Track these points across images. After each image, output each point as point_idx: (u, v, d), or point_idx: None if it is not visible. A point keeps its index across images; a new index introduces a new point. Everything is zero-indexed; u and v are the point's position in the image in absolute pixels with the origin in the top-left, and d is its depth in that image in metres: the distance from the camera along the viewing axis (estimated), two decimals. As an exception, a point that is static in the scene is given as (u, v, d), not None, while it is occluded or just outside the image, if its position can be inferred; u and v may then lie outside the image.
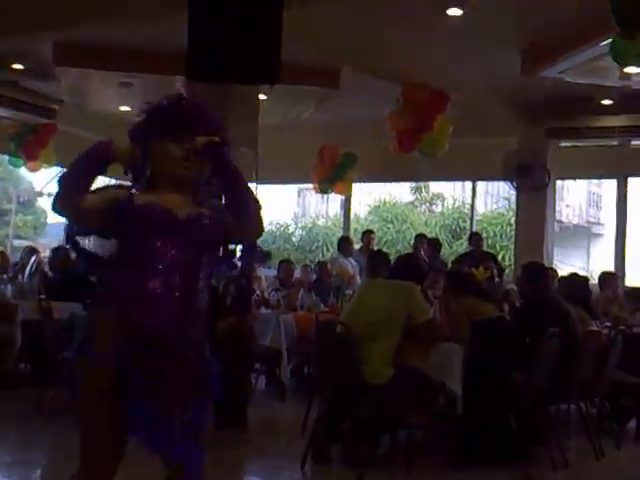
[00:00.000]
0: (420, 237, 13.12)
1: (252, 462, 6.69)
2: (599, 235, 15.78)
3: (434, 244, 12.78)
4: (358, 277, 11.58)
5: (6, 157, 14.77)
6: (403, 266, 6.71)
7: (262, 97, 9.96)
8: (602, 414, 7.62)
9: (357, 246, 13.39)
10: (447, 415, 6.68)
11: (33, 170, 14.36)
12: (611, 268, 12.35)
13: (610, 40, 8.09)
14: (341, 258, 12.23)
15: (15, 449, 6.56)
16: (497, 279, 10.64)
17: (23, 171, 15.40)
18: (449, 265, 11.60)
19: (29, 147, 13.43)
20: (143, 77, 11.29)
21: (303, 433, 6.82)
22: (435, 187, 18.13)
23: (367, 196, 16.89)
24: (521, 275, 7.35)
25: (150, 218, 3.13)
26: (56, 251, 9.31)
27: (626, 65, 9.05)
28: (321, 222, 18.65)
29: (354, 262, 12.11)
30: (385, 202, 18.46)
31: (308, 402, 7.09)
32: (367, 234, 13.24)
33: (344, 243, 12.76)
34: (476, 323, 6.46)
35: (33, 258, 10.58)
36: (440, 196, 18.53)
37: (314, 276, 11.65)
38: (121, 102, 12.88)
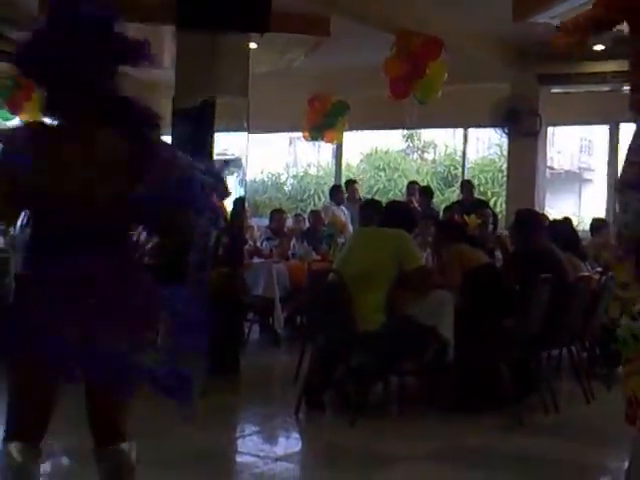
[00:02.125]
0: (412, 185, 13.12)
1: (246, 409, 6.76)
2: (590, 181, 15.79)
3: (426, 192, 12.78)
4: (350, 225, 11.61)
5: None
6: (394, 213, 6.72)
7: (252, 46, 9.87)
8: (592, 358, 7.69)
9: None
10: (439, 362, 6.75)
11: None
12: (602, 214, 12.37)
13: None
14: (333, 206, 12.26)
15: None
16: (491, 226, 10.66)
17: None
18: (441, 213, 11.61)
19: (14, 100, 13.28)
20: (132, 26, 11.17)
21: (296, 381, 6.89)
22: (427, 135, 18.07)
23: (358, 144, 16.82)
24: (514, 222, 7.37)
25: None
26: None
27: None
28: (313, 171, 18.60)
29: (346, 211, 12.14)
30: (377, 150, 18.40)
31: (301, 350, 7.15)
32: (351, 184, 13.24)
33: (336, 191, 12.80)
34: (467, 270, 6.50)
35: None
36: (432, 144, 18.48)
37: (306, 225, 11.67)
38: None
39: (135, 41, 3.04)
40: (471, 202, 11.84)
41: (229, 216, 8.71)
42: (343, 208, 12.26)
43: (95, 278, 2.86)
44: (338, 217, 11.82)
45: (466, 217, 8.50)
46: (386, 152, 18.50)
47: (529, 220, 7.13)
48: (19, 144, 2.87)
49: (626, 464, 5.49)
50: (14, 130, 3.09)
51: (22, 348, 2.83)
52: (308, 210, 14.38)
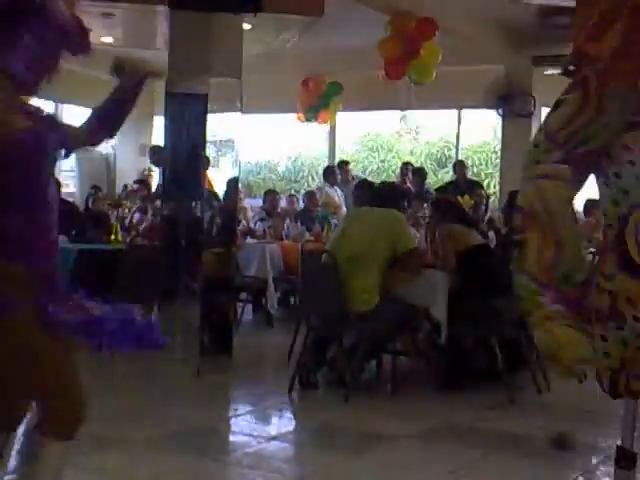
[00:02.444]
0: (405, 165, 13.10)
1: (239, 388, 6.78)
2: (584, 163, 15.81)
3: (419, 173, 12.78)
4: (344, 206, 11.62)
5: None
6: (387, 194, 6.73)
7: (246, 27, 9.84)
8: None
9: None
10: (431, 342, 6.78)
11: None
12: (595, 196, 12.37)
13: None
14: (327, 187, 12.24)
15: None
16: (484, 207, 10.67)
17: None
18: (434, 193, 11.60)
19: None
20: (125, 7, 11.12)
21: (289, 360, 6.92)
22: (420, 116, 18.04)
23: (352, 126, 16.80)
24: (506, 203, 7.38)
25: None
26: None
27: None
28: (306, 152, 18.58)
29: (339, 191, 12.14)
30: (370, 132, 18.38)
31: (294, 330, 7.17)
32: (344, 165, 13.20)
33: (329, 172, 12.78)
34: (461, 250, 6.51)
35: None
36: (425, 125, 18.46)
37: (300, 206, 11.67)
38: (103, 33, 12.72)
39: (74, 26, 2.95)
40: (464, 183, 11.85)
41: (222, 197, 8.75)
42: (337, 189, 12.25)
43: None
44: (332, 198, 11.82)
45: (459, 198, 8.50)
46: (379, 133, 18.47)
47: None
48: None
49: (618, 442, 5.54)
50: None
51: None
52: (302, 191, 14.37)
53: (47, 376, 2.89)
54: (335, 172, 12.78)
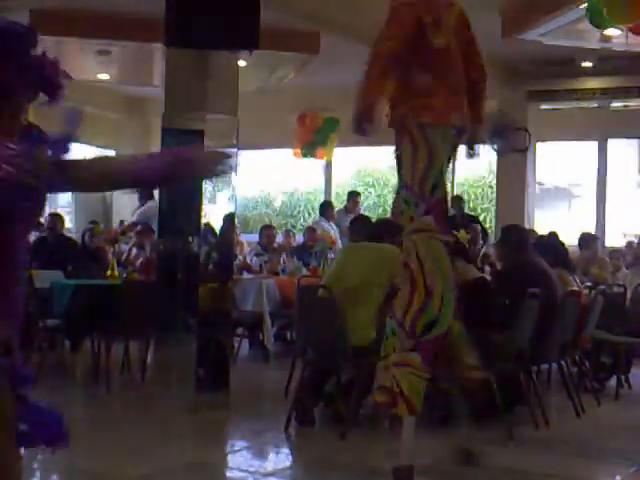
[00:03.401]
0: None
1: (235, 425, 6.75)
2: (579, 197, 15.85)
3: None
4: (339, 241, 11.64)
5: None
6: (384, 229, 6.73)
7: (242, 64, 9.92)
8: (582, 372, 7.71)
9: (340, 206, 13.47)
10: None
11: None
12: (591, 229, 12.41)
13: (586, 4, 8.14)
14: (323, 222, 12.27)
15: None
16: (482, 242, 10.68)
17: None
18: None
19: (5, 116, 13.30)
20: (121, 44, 11.20)
21: (286, 396, 6.89)
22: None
23: (348, 160, 16.83)
24: (500, 238, 7.40)
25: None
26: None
27: (602, 28, 9.06)
28: (302, 187, 18.61)
29: (335, 227, 12.18)
30: (366, 167, 18.42)
31: (291, 365, 7.15)
32: (354, 196, 13.24)
33: (326, 207, 12.80)
34: (459, 285, 6.50)
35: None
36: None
37: (297, 240, 11.69)
38: (99, 70, 12.80)
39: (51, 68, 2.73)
40: (461, 217, 11.87)
41: (219, 231, 8.75)
42: (332, 225, 12.28)
43: None
44: (327, 233, 11.86)
45: (456, 233, 8.51)
46: (375, 169, 18.51)
47: (513, 236, 7.15)
48: None
49: (618, 478, 5.53)
50: None
51: None
52: (298, 226, 14.39)
53: None
54: (332, 207, 12.80)
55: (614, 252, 10.61)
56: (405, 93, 4.79)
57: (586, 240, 10.30)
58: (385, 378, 4.73)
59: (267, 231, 11.13)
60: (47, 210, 10.67)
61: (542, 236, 8.27)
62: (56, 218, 9.88)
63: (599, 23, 8.36)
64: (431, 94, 4.70)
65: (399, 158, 4.86)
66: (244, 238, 12.25)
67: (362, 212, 13.09)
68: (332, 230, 12.03)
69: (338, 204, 13.94)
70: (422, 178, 4.68)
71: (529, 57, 12.23)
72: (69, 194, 13.90)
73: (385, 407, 4.82)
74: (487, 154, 14.55)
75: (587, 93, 12.95)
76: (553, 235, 8.18)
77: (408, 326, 4.72)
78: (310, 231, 11.62)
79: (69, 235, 11.16)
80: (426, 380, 4.70)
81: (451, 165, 14.65)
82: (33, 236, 9.74)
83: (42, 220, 9.90)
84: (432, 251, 4.73)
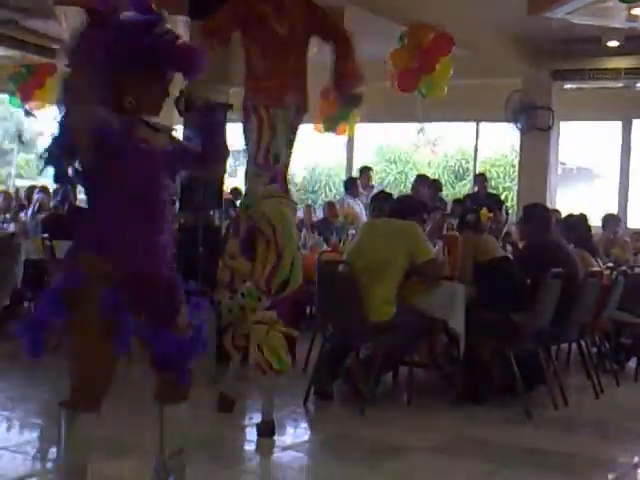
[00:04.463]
0: (420, 178, 12.99)
1: (254, 398, 6.76)
2: (602, 177, 15.76)
3: (434, 185, 12.71)
4: (364, 217, 11.57)
5: (7, 97, 14.66)
6: (405, 206, 6.72)
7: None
8: (602, 353, 7.69)
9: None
10: (449, 354, 6.75)
11: (35, 109, 14.20)
12: (613, 210, 12.35)
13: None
14: (349, 199, 12.12)
15: (20, 384, 6.65)
16: (504, 220, 10.65)
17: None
18: (449, 206, 11.55)
19: (25, 87, 13.31)
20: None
21: (305, 371, 6.91)
22: (439, 128, 18.03)
23: (370, 137, 16.79)
24: (522, 217, 7.35)
25: (155, 158, 3.14)
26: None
27: (634, 4, 8.96)
28: (323, 163, 18.60)
29: (361, 203, 12.06)
30: (388, 143, 18.38)
31: (310, 340, 7.16)
32: (365, 171, 13.10)
33: (351, 184, 12.64)
34: (480, 264, 6.49)
35: (36, 197, 10.58)
36: (443, 137, 18.44)
37: (317, 216, 11.66)
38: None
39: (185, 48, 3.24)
40: (484, 196, 11.83)
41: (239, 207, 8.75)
42: (358, 201, 12.16)
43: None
44: (353, 209, 11.75)
45: (479, 210, 8.48)
46: (397, 146, 18.48)
47: (535, 214, 7.11)
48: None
49: (636, 459, 5.52)
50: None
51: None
52: (319, 201, 14.36)
53: None
54: (357, 184, 12.65)
55: (635, 234, 10.55)
56: (249, 77, 5.47)
57: (608, 221, 10.26)
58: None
59: (288, 206, 11.08)
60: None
61: (570, 215, 8.20)
62: (72, 189, 9.81)
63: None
64: (270, 78, 5.40)
65: (246, 134, 5.47)
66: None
67: (380, 188, 13.04)
68: (358, 206, 11.93)
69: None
70: (266, 151, 5.33)
71: (554, 36, 12.13)
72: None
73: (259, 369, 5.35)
74: (510, 132, 14.52)
75: (612, 73, 12.84)
76: (581, 216, 8.11)
77: (264, 286, 5.24)
78: (330, 207, 11.58)
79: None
80: (282, 335, 5.29)
81: (474, 143, 14.57)
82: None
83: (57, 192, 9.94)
84: (282, 216, 5.28)
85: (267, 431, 5.32)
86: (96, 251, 3.09)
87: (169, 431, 3.48)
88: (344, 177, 14.70)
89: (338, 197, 13.49)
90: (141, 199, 3.10)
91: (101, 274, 3.06)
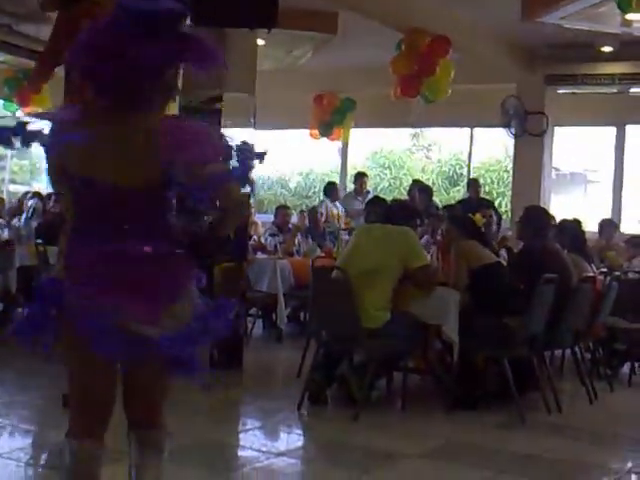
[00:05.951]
0: (414, 184, 13.03)
1: (248, 404, 6.76)
2: (596, 183, 15.78)
3: (427, 191, 12.72)
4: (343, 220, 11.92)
5: (1, 101, 14.65)
6: (399, 211, 6.72)
7: (260, 42, 9.90)
8: (596, 359, 7.70)
9: (352, 186, 13.52)
10: (442, 360, 6.75)
11: (29, 114, 14.20)
12: (607, 216, 12.36)
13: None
14: (328, 203, 12.42)
15: (13, 390, 6.64)
16: (496, 226, 10.64)
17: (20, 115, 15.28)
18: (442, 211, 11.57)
19: (22, 92, 13.31)
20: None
21: (299, 376, 6.90)
22: (433, 134, 18.05)
23: (364, 142, 16.79)
24: (522, 217, 7.34)
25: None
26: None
27: (629, 12, 8.97)
28: (318, 168, 18.60)
29: (340, 207, 12.41)
30: (382, 148, 18.38)
31: (304, 346, 7.16)
32: (360, 177, 13.26)
33: (331, 188, 12.90)
34: (474, 269, 6.48)
35: (30, 202, 10.57)
36: (437, 142, 18.46)
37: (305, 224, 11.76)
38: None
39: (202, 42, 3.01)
40: (476, 201, 11.84)
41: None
42: (337, 204, 12.48)
43: (133, 262, 2.89)
44: (332, 213, 12.06)
45: (472, 216, 8.48)
46: (391, 150, 18.48)
47: (534, 218, 7.11)
48: (69, 123, 2.92)
49: (629, 464, 5.52)
50: (60, 110, 3.13)
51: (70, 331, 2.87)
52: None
53: None
54: (337, 188, 12.97)
55: (629, 239, 10.55)
56: None
57: (604, 226, 10.29)
58: None
59: (282, 211, 11.13)
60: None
61: (564, 220, 8.21)
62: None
63: (626, 7, 8.29)
64: None
65: None
66: (258, 218, 12.25)
67: (375, 194, 13.10)
68: (337, 211, 12.38)
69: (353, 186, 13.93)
70: None
71: (548, 41, 12.15)
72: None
73: None
74: (504, 137, 14.53)
75: (606, 78, 12.86)
76: (575, 222, 8.12)
77: None
78: (312, 212, 11.78)
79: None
80: None
81: (467, 148, 14.59)
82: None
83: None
84: None
85: None
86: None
87: None
88: (338, 182, 14.79)
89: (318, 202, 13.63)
90: None
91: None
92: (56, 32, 6.41)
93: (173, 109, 3.63)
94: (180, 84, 3.15)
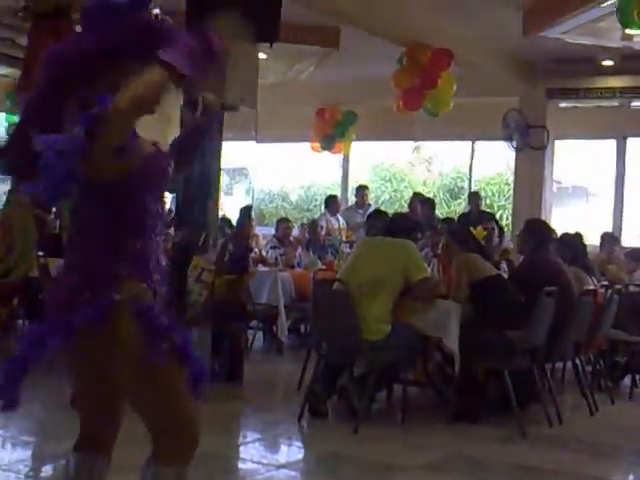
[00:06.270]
0: (415, 196, 13.05)
1: (248, 416, 6.76)
2: (597, 196, 15.79)
3: (429, 204, 12.74)
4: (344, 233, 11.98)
5: (3, 114, 14.70)
6: (400, 224, 6.73)
7: (261, 56, 9.94)
8: (597, 371, 7.69)
9: (353, 199, 13.56)
10: (443, 372, 6.75)
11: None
12: (609, 229, 12.36)
13: (613, 0, 8.09)
14: (328, 216, 12.43)
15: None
16: (497, 239, 10.64)
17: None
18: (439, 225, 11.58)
19: (24, 104, 13.36)
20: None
21: (299, 389, 6.91)
22: (434, 147, 18.08)
23: (365, 155, 16.82)
24: (523, 229, 7.35)
25: (154, 171, 2.86)
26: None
27: (630, 28, 9.00)
28: (319, 182, 18.62)
29: (341, 220, 12.43)
30: (383, 162, 18.41)
31: (305, 358, 7.16)
32: (361, 189, 13.32)
33: (331, 201, 12.94)
34: (474, 282, 6.49)
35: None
36: (439, 156, 18.49)
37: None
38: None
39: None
40: (477, 214, 11.83)
41: (235, 224, 8.76)
42: (339, 217, 12.52)
43: None
44: (332, 226, 12.08)
45: (472, 229, 8.48)
46: (392, 163, 18.51)
47: (536, 232, 7.12)
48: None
49: (631, 477, 5.51)
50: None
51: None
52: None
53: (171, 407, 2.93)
54: (337, 201, 13.00)
55: (630, 253, 10.55)
56: None
57: (605, 239, 10.30)
58: None
59: (283, 224, 11.14)
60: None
61: (565, 233, 8.21)
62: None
63: (628, 23, 8.31)
64: None
65: None
66: (259, 231, 12.27)
67: (376, 206, 13.15)
68: (337, 224, 12.38)
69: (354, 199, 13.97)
70: None
71: (549, 55, 12.19)
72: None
73: None
74: (505, 151, 14.55)
75: (607, 92, 12.88)
76: (576, 235, 8.12)
77: None
78: (311, 225, 11.81)
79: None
80: None
81: (468, 161, 14.58)
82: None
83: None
84: (22, 222, 6.92)
85: None
86: None
87: None
88: (340, 195, 14.84)
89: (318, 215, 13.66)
90: None
91: None
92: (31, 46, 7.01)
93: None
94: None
